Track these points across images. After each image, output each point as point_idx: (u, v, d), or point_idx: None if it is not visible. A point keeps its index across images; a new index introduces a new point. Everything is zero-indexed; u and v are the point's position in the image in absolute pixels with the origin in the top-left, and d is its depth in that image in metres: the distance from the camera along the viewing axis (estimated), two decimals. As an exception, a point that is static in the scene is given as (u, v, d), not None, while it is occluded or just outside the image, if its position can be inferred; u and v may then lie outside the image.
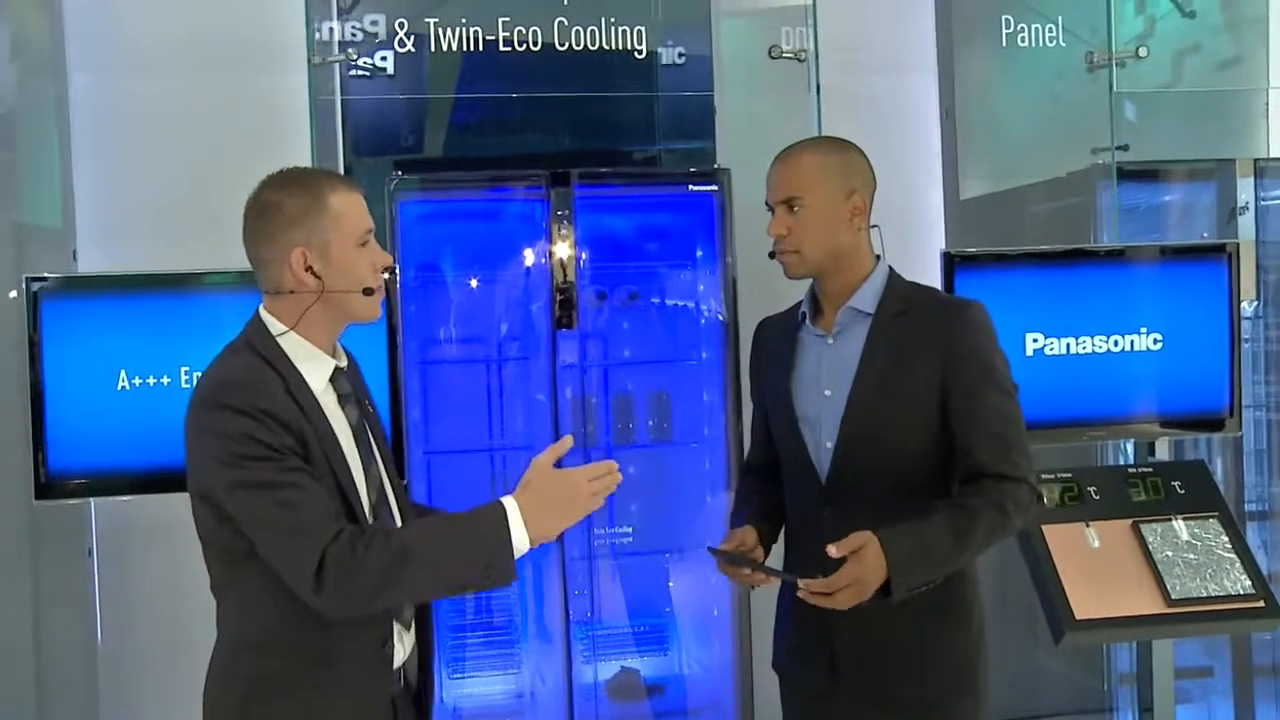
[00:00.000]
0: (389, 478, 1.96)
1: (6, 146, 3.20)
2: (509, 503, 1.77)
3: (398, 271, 2.84)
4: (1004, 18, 3.79)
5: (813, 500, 2.15)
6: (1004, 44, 3.81)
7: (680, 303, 3.55)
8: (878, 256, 2.19)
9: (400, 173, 3.20)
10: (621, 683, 3.55)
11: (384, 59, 3.31)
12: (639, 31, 3.46)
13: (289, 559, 1.72)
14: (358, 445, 1.89)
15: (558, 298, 3.17)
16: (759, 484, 2.34)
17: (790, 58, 3.47)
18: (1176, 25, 3.85)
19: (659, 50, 3.49)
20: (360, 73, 3.30)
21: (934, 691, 2.10)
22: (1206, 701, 3.69)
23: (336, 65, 3.29)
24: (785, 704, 2.32)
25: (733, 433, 3.34)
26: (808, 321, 2.21)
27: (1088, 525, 2.80)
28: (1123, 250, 3.22)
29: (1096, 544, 2.76)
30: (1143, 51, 3.48)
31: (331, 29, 3.27)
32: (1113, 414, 3.07)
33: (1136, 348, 3.06)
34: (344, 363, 1.93)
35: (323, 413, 1.83)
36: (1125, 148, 3.83)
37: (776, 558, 2.25)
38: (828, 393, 2.14)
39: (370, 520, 1.84)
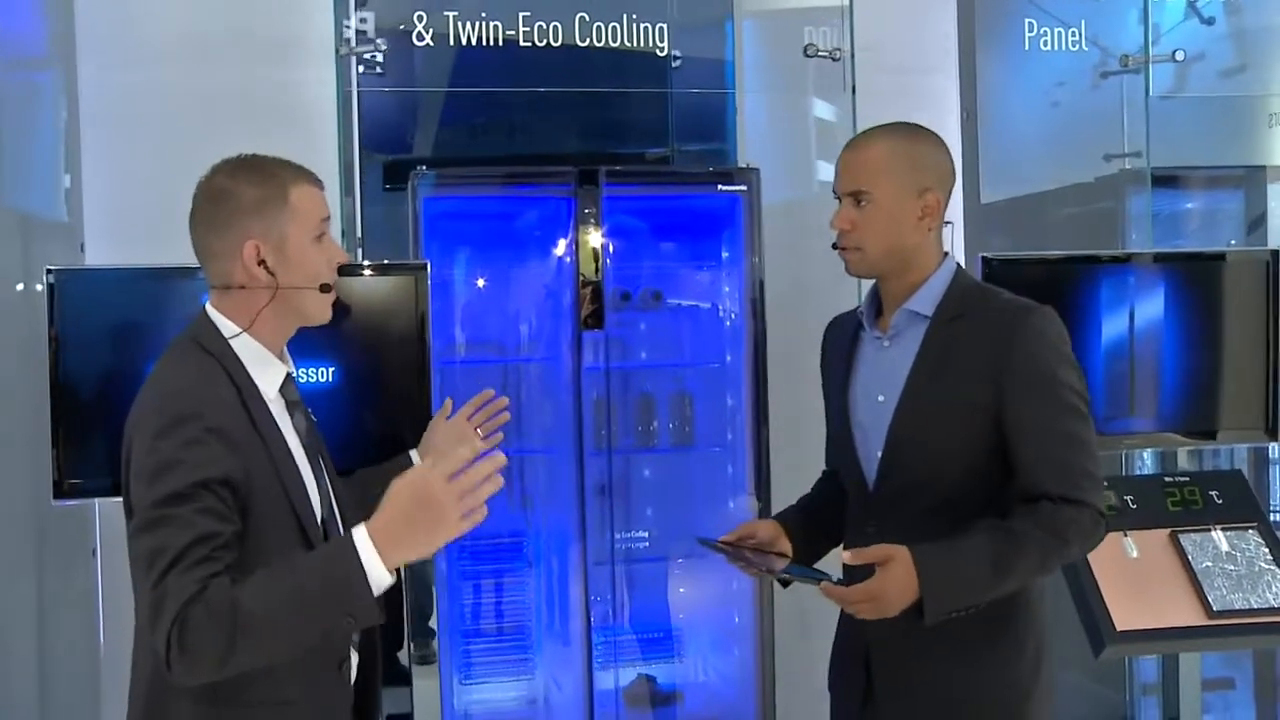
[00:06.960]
0: (335, 491, 1.85)
1: (12, 140, 3.11)
2: (359, 536, 1.53)
3: (427, 269, 2.76)
4: (1026, 21, 3.76)
5: (861, 513, 2.05)
6: (1026, 47, 3.78)
7: (704, 305, 3.49)
8: (946, 254, 2.05)
9: (424, 168, 3.13)
10: (639, 690, 3.49)
11: (402, 52, 3.24)
12: (660, 29, 3.42)
13: (148, 602, 1.54)
14: (308, 456, 1.79)
15: (584, 298, 3.11)
16: (824, 486, 2.26)
17: (825, 56, 3.42)
18: (1180, 34, 3.78)
19: (678, 49, 3.44)
20: (376, 69, 3.23)
21: None
22: (1229, 713, 3.66)
23: (353, 59, 3.22)
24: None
25: (756, 438, 3.28)
26: (866, 323, 2.09)
27: (1125, 534, 2.76)
28: (1168, 255, 3.16)
29: (1135, 554, 2.72)
30: (1179, 55, 3.43)
31: (350, 22, 3.20)
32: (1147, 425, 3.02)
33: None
34: (293, 368, 1.82)
35: (275, 424, 1.72)
36: (1138, 154, 3.80)
37: (832, 562, 2.10)
38: (880, 399, 2.02)
39: (322, 537, 1.72)
